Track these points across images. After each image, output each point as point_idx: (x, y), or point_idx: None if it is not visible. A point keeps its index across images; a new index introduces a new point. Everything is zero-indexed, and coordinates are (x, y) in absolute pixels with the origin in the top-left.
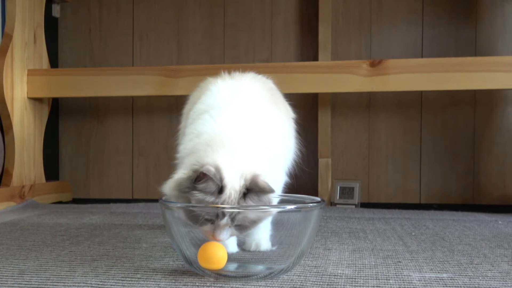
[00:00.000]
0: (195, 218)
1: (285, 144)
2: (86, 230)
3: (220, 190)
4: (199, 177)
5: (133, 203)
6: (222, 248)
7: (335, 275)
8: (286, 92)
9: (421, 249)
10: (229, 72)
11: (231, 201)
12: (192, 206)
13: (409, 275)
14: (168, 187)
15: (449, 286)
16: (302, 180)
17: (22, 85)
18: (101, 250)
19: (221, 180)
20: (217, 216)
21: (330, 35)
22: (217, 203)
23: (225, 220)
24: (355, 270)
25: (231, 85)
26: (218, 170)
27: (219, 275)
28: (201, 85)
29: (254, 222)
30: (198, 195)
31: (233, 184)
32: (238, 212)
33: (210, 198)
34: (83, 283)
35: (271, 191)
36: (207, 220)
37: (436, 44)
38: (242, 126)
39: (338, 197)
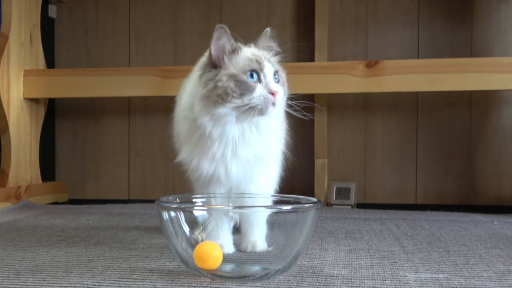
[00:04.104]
0: (245, 86)
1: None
2: (83, 230)
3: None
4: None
5: (130, 204)
6: (217, 248)
7: (331, 276)
8: None
9: (417, 249)
10: None
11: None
12: (188, 207)
13: (405, 276)
14: (196, 68)
15: (445, 287)
16: (298, 181)
17: (19, 85)
18: (98, 250)
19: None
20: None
21: (327, 36)
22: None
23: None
24: (351, 270)
25: None
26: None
27: (215, 275)
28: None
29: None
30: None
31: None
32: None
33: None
34: (79, 284)
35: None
36: (254, 72)
37: (432, 45)
38: None
39: (334, 198)
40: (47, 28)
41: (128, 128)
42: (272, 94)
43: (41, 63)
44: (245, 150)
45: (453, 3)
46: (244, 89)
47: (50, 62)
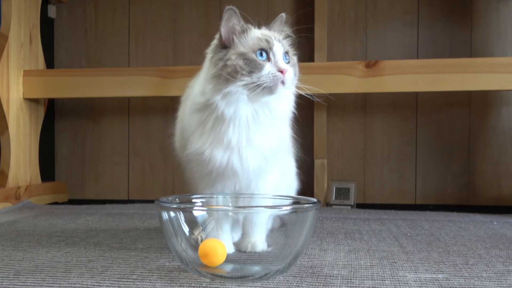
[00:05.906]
0: (253, 64)
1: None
2: (82, 231)
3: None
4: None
5: (129, 204)
6: (221, 245)
7: (331, 276)
8: None
9: (417, 249)
10: None
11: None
12: (188, 207)
13: (405, 276)
14: (208, 51)
15: (445, 287)
16: (298, 181)
17: (18, 85)
18: (97, 251)
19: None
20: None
21: (326, 36)
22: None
23: (280, 45)
24: (351, 271)
25: None
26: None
27: (215, 275)
28: None
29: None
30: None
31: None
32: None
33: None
34: (79, 284)
35: None
36: (263, 51)
37: (431, 45)
38: None
39: (334, 198)
40: (47, 28)
41: (127, 128)
42: (281, 72)
43: (41, 63)
44: (259, 137)
45: (453, 3)
46: (253, 66)
47: (50, 62)
